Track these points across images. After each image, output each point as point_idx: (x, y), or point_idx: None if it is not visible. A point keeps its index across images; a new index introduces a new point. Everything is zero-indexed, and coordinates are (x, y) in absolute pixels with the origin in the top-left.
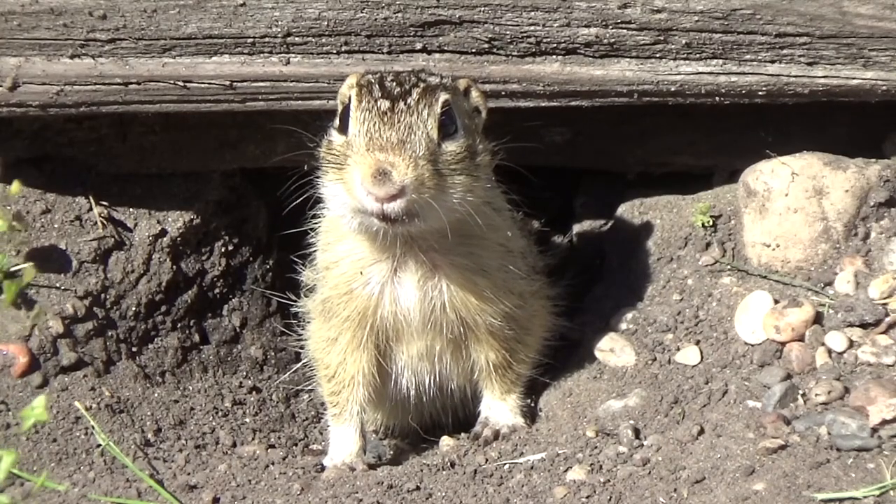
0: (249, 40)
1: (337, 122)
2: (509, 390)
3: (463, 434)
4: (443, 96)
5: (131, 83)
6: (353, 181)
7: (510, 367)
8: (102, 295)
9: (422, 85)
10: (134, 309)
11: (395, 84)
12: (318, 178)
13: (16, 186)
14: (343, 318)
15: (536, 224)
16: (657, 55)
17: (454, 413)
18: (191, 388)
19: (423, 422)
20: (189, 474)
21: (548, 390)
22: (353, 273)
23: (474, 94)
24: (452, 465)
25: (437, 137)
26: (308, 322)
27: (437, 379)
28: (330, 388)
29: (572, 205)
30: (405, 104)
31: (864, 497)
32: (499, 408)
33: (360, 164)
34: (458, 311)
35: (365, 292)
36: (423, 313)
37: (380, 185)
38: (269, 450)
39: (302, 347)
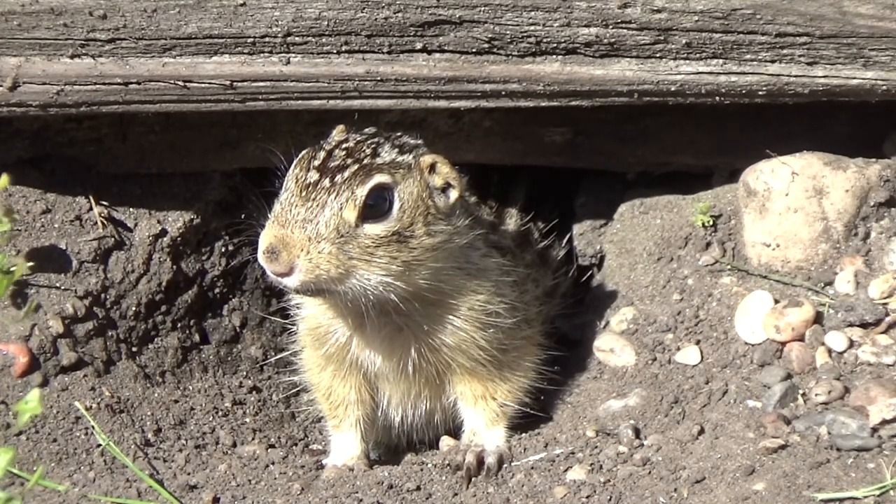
0: (249, 40)
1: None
2: (494, 421)
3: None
4: (376, 179)
5: (131, 83)
6: (258, 248)
7: (494, 398)
8: (102, 295)
9: (361, 163)
10: (134, 309)
11: (340, 155)
12: None
13: (4, 180)
14: (323, 353)
15: (537, 234)
16: (657, 55)
17: (447, 432)
18: (191, 387)
19: (414, 442)
20: (189, 474)
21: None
22: (323, 321)
23: (443, 169)
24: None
25: (355, 219)
26: (301, 348)
27: (422, 414)
28: (328, 405)
29: (572, 205)
30: (330, 181)
31: (864, 497)
32: (483, 429)
33: (264, 235)
34: (429, 362)
35: (333, 340)
36: (392, 364)
37: (269, 261)
38: (269, 450)
39: (295, 358)
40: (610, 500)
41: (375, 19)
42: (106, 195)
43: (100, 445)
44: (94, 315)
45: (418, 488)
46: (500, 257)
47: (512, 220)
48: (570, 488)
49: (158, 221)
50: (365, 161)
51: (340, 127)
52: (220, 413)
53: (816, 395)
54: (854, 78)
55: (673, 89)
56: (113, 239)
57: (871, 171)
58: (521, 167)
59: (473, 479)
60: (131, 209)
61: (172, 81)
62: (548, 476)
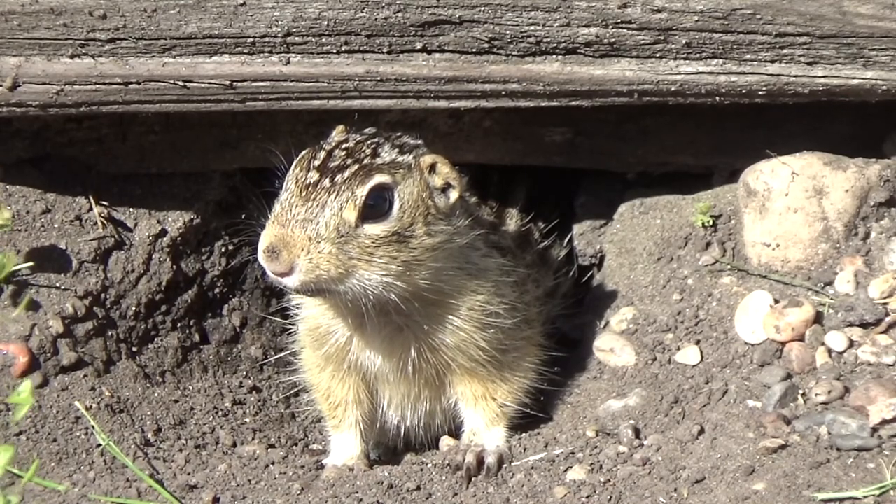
0: (249, 40)
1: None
2: (494, 421)
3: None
4: (376, 179)
5: (131, 83)
6: (258, 248)
7: (494, 398)
8: (102, 295)
9: (361, 163)
10: (134, 309)
11: (340, 155)
12: None
13: None
14: (323, 353)
15: (537, 234)
16: (657, 55)
17: (447, 433)
18: (191, 387)
19: (413, 443)
20: (189, 474)
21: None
22: (323, 322)
23: (443, 169)
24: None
25: (355, 219)
26: (301, 348)
27: (422, 416)
28: (327, 405)
29: (572, 205)
30: (330, 181)
31: (864, 497)
32: (483, 429)
33: (264, 235)
34: (428, 362)
35: (333, 340)
36: (392, 365)
37: (269, 261)
38: (269, 450)
39: (295, 358)
40: (610, 500)
41: (375, 19)
42: (106, 195)
43: (100, 445)
44: (94, 315)
45: (418, 488)
46: (501, 257)
47: (512, 221)
48: (570, 488)
49: (158, 221)
50: (365, 161)
51: (340, 127)
52: (220, 413)
53: (816, 395)
54: (854, 78)
55: (673, 89)
56: (113, 239)
57: (871, 171)
58: (521, 167)
59: (473, 479)
60: (131, 209)
61: (172, 81)
62: (548, 476)
